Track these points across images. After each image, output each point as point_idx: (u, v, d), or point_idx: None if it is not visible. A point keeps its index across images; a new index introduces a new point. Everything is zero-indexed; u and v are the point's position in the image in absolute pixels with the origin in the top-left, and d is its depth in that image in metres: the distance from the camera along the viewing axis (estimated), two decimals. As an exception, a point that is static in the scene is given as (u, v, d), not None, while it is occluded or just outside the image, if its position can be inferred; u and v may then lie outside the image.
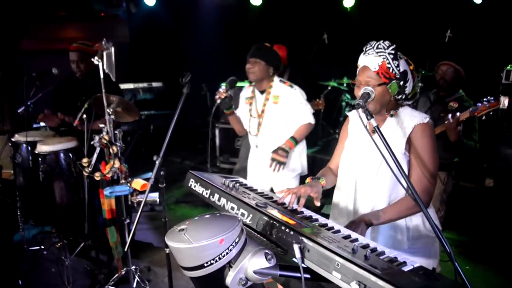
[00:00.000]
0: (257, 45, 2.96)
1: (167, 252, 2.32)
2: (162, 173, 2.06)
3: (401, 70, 1.64)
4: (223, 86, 2.71)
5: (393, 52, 1.63)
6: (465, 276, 1.19)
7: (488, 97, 2.63)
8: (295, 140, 2.93)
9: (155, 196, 2.61)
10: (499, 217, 3.74)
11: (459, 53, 3.12)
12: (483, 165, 3.82)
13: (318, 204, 1.60)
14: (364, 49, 1.70)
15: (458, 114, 2.63)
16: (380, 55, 1.63)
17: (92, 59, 2.52)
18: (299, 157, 3.10)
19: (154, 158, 1.99)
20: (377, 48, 1.64)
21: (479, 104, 2.63)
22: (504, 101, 3.18)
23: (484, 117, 2.65)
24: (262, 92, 2.96)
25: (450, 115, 2.66)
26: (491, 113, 2.64)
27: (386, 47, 1.63)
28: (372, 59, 1.64)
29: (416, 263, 1.20)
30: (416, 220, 1.76)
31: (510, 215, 3.66)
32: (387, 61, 1.61)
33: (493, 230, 3.76)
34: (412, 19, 5.03)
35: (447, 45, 4.87)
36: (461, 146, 2.73)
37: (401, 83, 1.65)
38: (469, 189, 4.22)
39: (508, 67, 3.62)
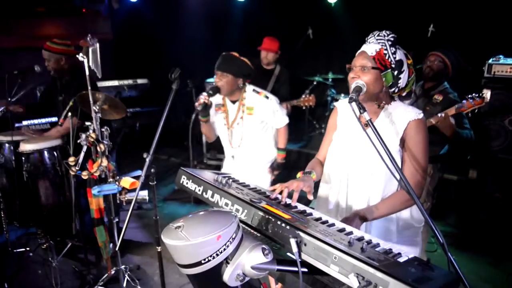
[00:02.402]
0: (223, 57, 2.75)
1: (159, 250, 2.30)
2: (152, 170, 2.03)
3: (397, 59, 1.65)
4: (205, 93, 2.62)
5: (391, 39, 1.65)
6: (458, 266, 1.22)
7: (473, 94, 2.67)
8: (283, 150, 3.02)
9: (144, 194, 2.57)
10: (482, 208, 3.83)
11: (442, 48, 3.16)
12: (467, 157, 3.90)
13: (311, 198, 1.61)
14: (366, 39, 1.71)
15: (442, 114, 2.67)
16: (379, 42, 1.65)
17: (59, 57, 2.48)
18: (271, 153, 3.06)
19: (144, 155, 1.97)
20: (378, 36, 1.66)
21: (464, 101, 2.67)
22: (486, 94, 3.24)
23: (470, 114, 2.69)
24: (234, 102, 2.83)
25: (439, 114, 2.68)
26: (476, 110, 2.68)
27: (386, 35, 1.66)
28: (371, 46, 1.66)
29: (411, 254, 1.21)
30: (404, 212, 1.79)
31: (493, 206, 3.76)
32: (385, 48, 1.63)
33: (477, 221, 3.85)
34: (395, 14, 5.08)
35: (430, 40, 4.94)
36: (458, 138, 2.77)
37: (395, 72, 1.65)
38: (453, 181, 4.31)
39: (490, 61, 3.70)
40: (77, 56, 2.47)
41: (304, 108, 3.97)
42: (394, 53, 1.64)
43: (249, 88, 2.83)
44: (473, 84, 3.74)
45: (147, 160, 1.95)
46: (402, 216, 1.80)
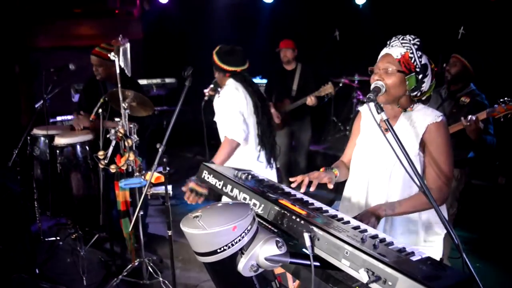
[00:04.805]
0: None
1: (170, 234, 2.41)
2: (164, 160, 2.15)
3: (423, 63, 1.65)
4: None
5: (418, 43, 1.65)
6: (473, 268, 1.21)
7: (505, 98, 2.59)
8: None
9: (168, 188, 2.66)
10: (511, 216, 3.72)
11: (472, 50, 3.09)
12: (496, 163, 3.79)
13: (331, 186, 1.64)
14: (388, 42, 1.72)
15: (474, 117, 2.60)
16: (404, 46, 1.65)
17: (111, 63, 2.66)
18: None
19: (157, 146, 2.07)
20: (403, 39, 1.67)
21: (496, 106, 2.59)
22: (518, 98, 3.14)
23: (502, 119, 2.61)
24: None
25: (470, 117, 2.62)
26: (509, 115, 2.60)
27: (411, 39, 1.66)
28: (396, 49, 1.66)
29: (425, 253, 1.22)
30: (430, 217, 1.77)
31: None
32: (410, 52, 1.63)
33: (506, 229, 3.73)
34: (424, 16, 5.00)
35: (460, 42, 4.83)
36: (481, 144, 2.71)
37: (420, 76, 1.65)
38: (481, 187, 4.19)
39: (522, 64, 3.58)
40: (108, 55, 2.59)
41: (325, 97, 4.04)
42: (420, 57, 1.65)
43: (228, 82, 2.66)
44: (505, 88, 3.64)
45: (160, 150, 2.06)
46: (428, 221, 1.78)
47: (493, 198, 3.95)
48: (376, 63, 1.70)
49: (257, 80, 5.70)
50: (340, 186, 1.98)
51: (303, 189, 1.55)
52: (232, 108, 2.53)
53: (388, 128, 1.40)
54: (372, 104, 1.46)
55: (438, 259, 1.70)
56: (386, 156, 1.71)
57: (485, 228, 3.96)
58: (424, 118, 1.69)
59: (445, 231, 1.80)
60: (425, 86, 1.69)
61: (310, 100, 4.05)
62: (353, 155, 1.92)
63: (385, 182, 1.75)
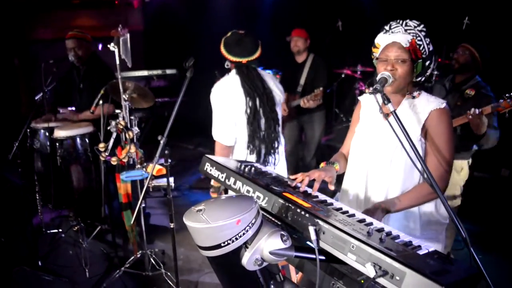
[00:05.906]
0: None
1: (172, 226, 2.40)
2: (166, 152, 2.13)
3: (431, 49, 1.63)
4: None
5: (424, 30, 1.62)
6: (479, 261, 1.20)
7: (511, 94, 2.56)
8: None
9: (170, 180, 2.65)
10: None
11: (477, 41, 3.04)
12: (499, 155, 3.76)
13: (332, 188, 1.61)
14: (387, 27, 1.67)
15: (477, 110, 2.56)
16: (409, 33, 1.61)
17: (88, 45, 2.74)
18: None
19: (159, 137, 2.06)
20: (406, 25, 1.62)
21: (501, 101, 2.56)
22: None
23: (507, 114, 2.58)
24: None
25: (471, 110, 2.59)
26: None
27: (416, 25, 1.62)
28: (401, 35, 1.61)
29: (431, 247, 1.20)
30: (429, 207, 1.76)
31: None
32: (418, 39, 1.60)
33: (508, 222, 3.72)
34: (428, 6, 4.92)
35: (465, 33, 4.77)
36: (485, 138, 2.68)
37: (427, 63, 1.63)
38: (484, 179, 4.17)
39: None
40: (108, 46, 2.56)
41: (314, 102, 3.80)
42: (429, 44, 1.62)
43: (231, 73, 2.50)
44: (509, 80, 3.60)
45: (162, 142, 2.04)
46: (426, 212, 1.76)
47: (496, 191, 3.92)
48: (381, 51, 1.66)
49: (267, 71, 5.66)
50: (341, 177, 1.95)
51: (302, 189, 1.53)
52: (220, 109, 2.38)
53: (393, 115, 1.38)
54: (379, 95, 1.43)
55: (438, 249, 1.70)
56: (387, 143, 1.69)
57: (488, 220, 3.95)
58: (427, 104, 1.67)
59: (445, 223, 1.79)
60: (429, 71, 1.67)
61: (304, 103, 3.78)
62: (351, 143, 1.90)
63: (385, 170, 1.73)
